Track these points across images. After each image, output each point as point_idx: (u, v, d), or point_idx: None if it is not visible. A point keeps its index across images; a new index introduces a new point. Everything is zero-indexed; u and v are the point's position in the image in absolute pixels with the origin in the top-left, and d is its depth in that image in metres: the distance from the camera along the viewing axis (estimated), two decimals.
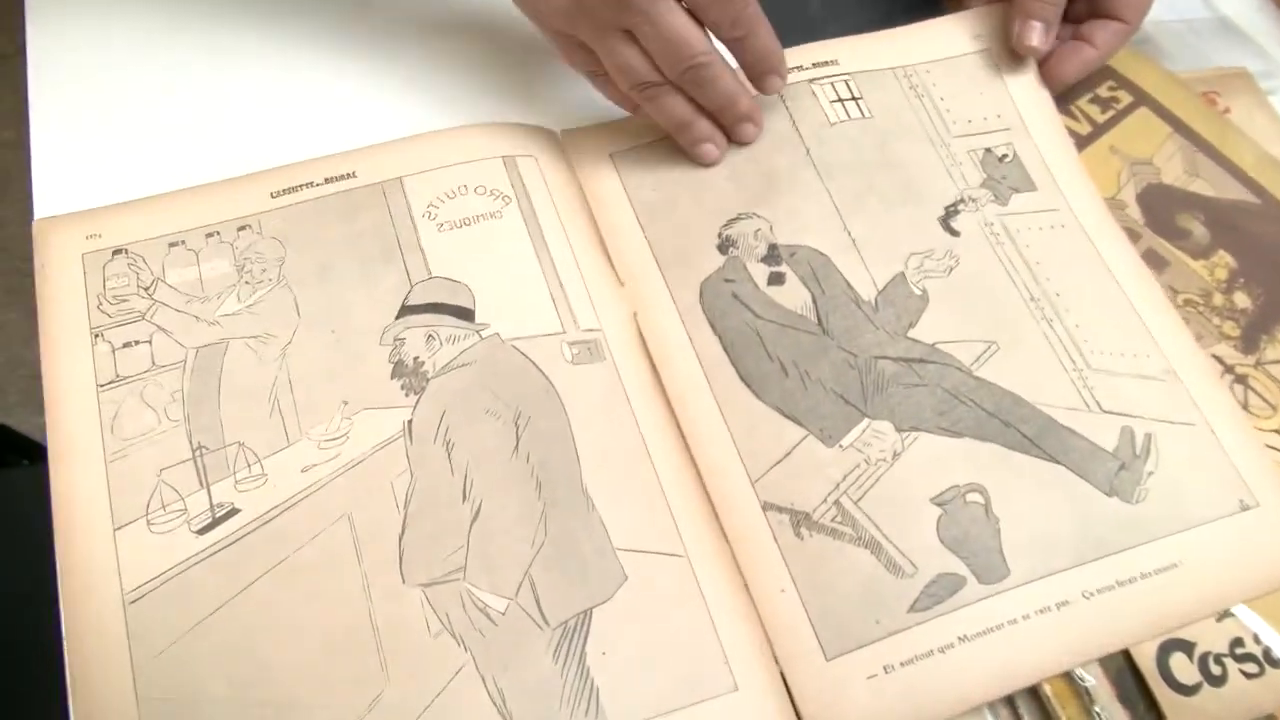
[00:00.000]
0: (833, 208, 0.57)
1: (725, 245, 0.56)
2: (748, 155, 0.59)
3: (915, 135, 0.60)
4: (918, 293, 0.55)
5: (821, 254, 0.56)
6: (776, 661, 0.47)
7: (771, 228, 0.57)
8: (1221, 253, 0.59)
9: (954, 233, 0.57)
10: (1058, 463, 0.51)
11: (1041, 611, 0.48)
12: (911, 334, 0.54)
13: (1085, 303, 0.56)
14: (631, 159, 0.59)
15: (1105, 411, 0.53)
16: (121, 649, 0.45)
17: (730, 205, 0.58)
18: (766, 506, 0.50)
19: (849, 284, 0.55)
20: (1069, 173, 0.61)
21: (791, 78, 0.61)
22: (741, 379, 0.53)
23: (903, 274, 0.55)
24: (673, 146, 0.59)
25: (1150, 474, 0.51)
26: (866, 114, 0.60)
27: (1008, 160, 0.60)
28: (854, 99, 0.61)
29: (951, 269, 0.56)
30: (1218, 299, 0.58)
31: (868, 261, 0.56)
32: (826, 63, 0.62)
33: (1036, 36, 0.60)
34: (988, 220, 0.58)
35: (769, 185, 0.58)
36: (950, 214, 0.58)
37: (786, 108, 0.60)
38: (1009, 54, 0.63)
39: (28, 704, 0.63)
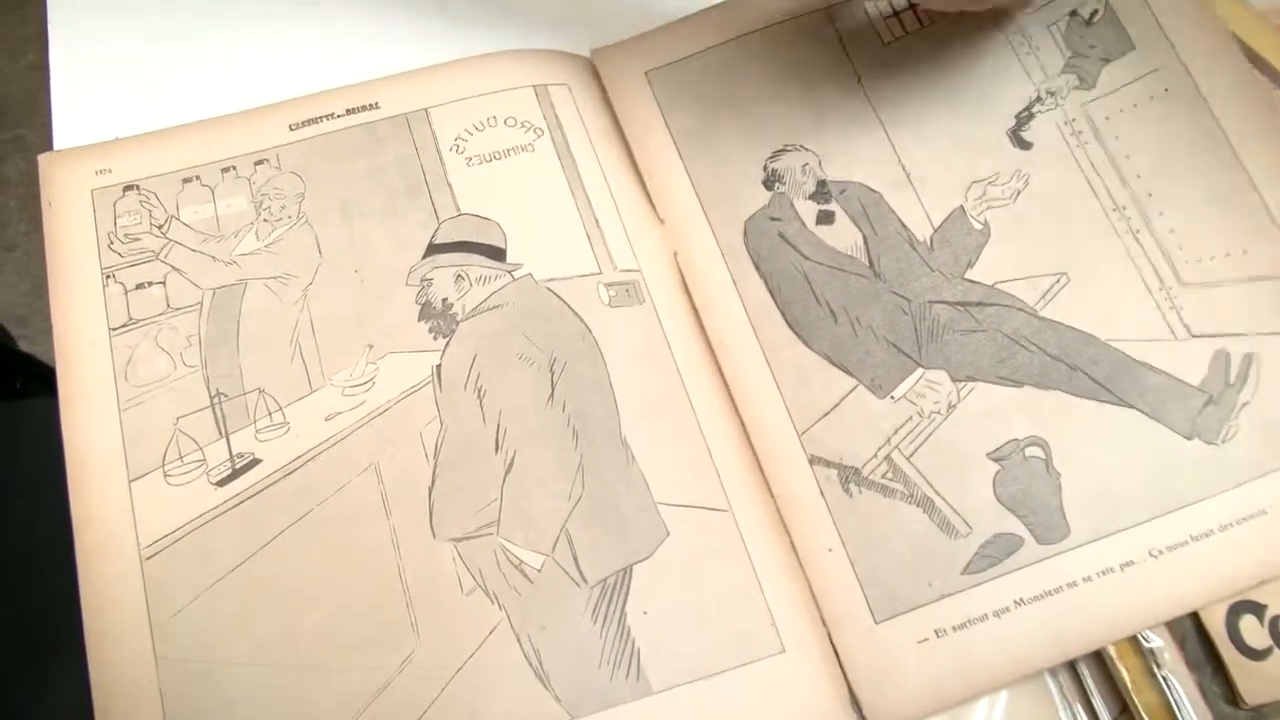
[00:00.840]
0: (885, 139, 0.52)
1: (771, 180, 0.52)
2: (793, 77, 0.53)
3: (984, 27, 0.54)
4: (978, 227, 0.50)
5: (873, 191, 0.51)
6: (824, 624, 0.44)
7: (820, 162, 0.52)
8: None
9: (1025, 145, 0.51)
10: (1130, 407, 0.46)
11: (1103, 573, 0.44)
12: (970, 275, 0.49)
13: (1184, 194, 0.49)
14: (668, 78, 0.54)
15: (1195, 336, 0.47)
16: (139, 606, 0.42)
17: (775, 134, 0.53)
18: (814, 460, 0.46)
19: (902, 223, 0.50)
20: (1179, 9, 0.52)
21: None
22: (788, 325, 0.49)
23: (961, 208, 0.50)
24: (710, 63, 0.54)
25: (1244, 405, 0.46)
26: (925, 21, 0.54)
27: (1097, 19, 0.53)
28: (911, 7, 0.54)
29: (1018, 193, 0.50)
30: None
31: (923, 197, 0.51)
32: None
33: None
34: (1069, 117, 0.52)
35: (817, 115, 0.53)
36: (1022, 122, 0.52)
37: (835, 29, 0.54)
38: None
39: (51, 645, 0.61)
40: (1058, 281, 0.49)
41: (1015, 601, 0.43)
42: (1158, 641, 0.44)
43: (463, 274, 0.49)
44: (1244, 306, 0.48)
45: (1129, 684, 0.43)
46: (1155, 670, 0.43)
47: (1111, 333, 0.48)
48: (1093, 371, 0.47)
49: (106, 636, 0.41)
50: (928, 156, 0.52)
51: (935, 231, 0.50)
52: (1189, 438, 0.46)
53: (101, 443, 0.45)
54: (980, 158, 0.51)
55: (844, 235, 0.50)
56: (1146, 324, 0.48)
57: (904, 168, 0.51)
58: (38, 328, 1.42)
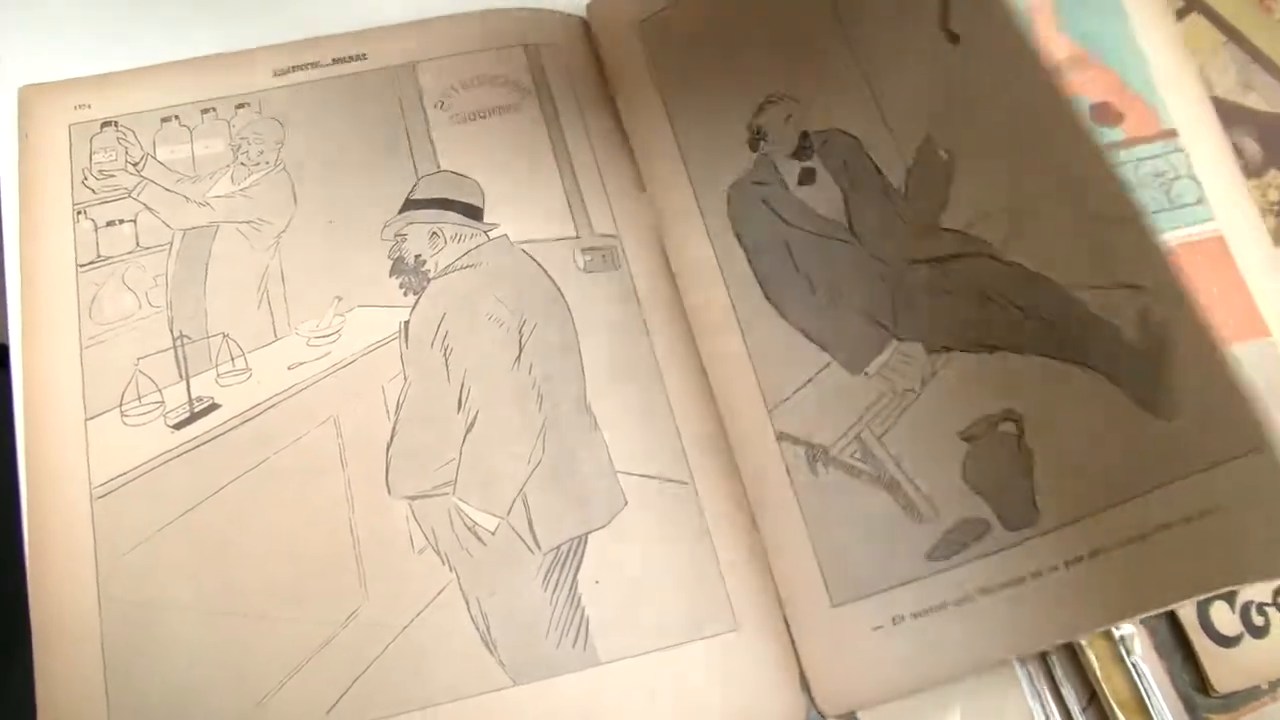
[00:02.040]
0: (860, 77, 0.47)
1: (756, 139, 0.48)
2: (772, 19, 0.49)
3: None
4: (944, 156, 0.45)
5: (852, 138, 0.47)
6: (780, 604, 0.41)
7: (801, 110, 0.48)
8: (1274, 172, 0.50)
9: (953, 38, 0.44)
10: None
11: (1072, 562, 0.40)
12: (946, 220, 0.44)
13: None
14: (658, 26, 0.51)
15: None
16: (86, 546, 0.40)
17: (756, 81, 0.49)
18: (782, 437, 0.43)
19: (878, 169, 0.46)
20: None
21: None
22: (766, 296, 0.46)
23: (928, 136, 0.45)
24: (694, 7, 0.50)
25: None
26: None
27: None
28: None
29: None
30: (1270, 222, 0.49)
31: (897, 134, 0.46)
32: None
33: None
34: None
35: (799, 55, 0.49)
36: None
37: None
38: None
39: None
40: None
41: (979, 590, 0.40)
42: (1128, 628, 0.41)
43: (438, 231, 0.47)
44: None
45: (1098, 671, 0.40)
46: (1125, 657, 0.41)
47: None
48: (1067, 327, 0.41)
49: (51, 574, 0.39)
50: (896, 87, 0.46)
51: (909, 173, 0.45)
52: None
53: (60, 379, 0.42)
54: (940, 74, 0.45)
55: (825, 194, 0.47)
56: None
57: (878, 105, 0.47)
58: None
